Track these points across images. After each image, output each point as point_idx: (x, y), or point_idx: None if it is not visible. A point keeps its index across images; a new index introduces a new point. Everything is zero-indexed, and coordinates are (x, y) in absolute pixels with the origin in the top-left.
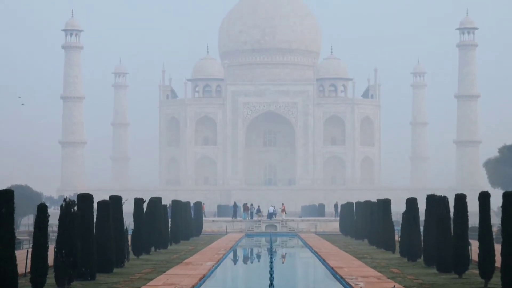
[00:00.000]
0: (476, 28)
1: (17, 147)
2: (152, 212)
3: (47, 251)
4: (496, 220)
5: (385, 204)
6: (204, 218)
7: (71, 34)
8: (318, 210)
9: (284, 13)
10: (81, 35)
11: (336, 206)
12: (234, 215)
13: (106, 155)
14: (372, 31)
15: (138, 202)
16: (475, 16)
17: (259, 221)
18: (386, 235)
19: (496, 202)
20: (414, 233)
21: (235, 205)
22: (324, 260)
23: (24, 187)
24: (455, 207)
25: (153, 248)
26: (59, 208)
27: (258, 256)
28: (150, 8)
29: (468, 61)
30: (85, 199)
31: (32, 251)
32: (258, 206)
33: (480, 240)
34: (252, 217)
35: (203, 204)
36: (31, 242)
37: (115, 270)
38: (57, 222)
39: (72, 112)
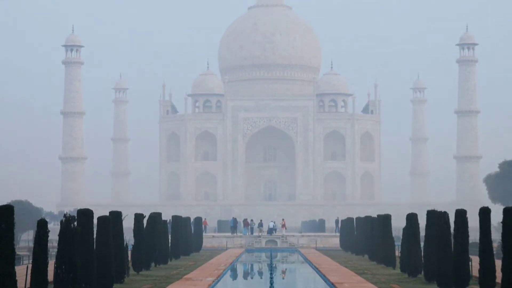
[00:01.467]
0: (476, 44)
1: (17, 163)
2: (152, 228)
3: (47, 266)
4: (496, 236)
5: (385, 219)
6: (204, 234)
7: (71, 50)
8: (318, 226)
9: (284, 28)
10: (82, 51)
11: (337, 221)
12: (234, 230)
13: (106, 171)
14: (372, 47)
15: (138, 217)
16: (475, 32)
17: (259, 236)
18: (386, 251)
19: (496, 217)
20: (414, 248)
21: (235, 221)
22: (324, 275)
23: (24, 203)
24: (455, 222)
25: (153, 264)
26: (59, 223)
27: (259, 272)
28: (150, 24)
29: (468, 77)
30: (85, 214)
31: (32, 267)
32: (261, 220)
33: (480, 256)
34: (252, 233)
35: (205, 219)
36: (31, 257)
37: (115, 285)
38: (57, 238)
39: (72, 128)
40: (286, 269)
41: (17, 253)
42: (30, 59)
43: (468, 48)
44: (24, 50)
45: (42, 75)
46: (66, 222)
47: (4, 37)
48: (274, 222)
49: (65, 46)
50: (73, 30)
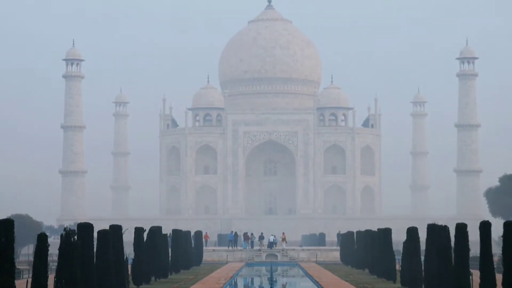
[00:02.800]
0: (476, 58)
1: (17, 176)
2: (152, 242)
3: (47, 280)
4: (497, 250)
5: (385, 233)
6: (204, 248)
7: (72, 64)
8: (319, 239)
9: (284, 42)
10: (82, 64)
11: (338, 235)
12: (234, 244)
13: (107, 184)
14: (372, 61)
15: (138, 231)
16: (475, 46)
17: (260, 250)
18: (387, 265)
19: (497, 231)
20: (415, 262)
21: (235, 235)
22: None
23: (24, 217)
24: (456, 236)
25: (153, 278)
26: (59, 237)
27: (259, 286)
28: (150, 37)
29: (468, 91)
30: (85, 228)
31: (32, 281)
32: (261, 233)
33: (481, 270)
34: (252, 246)
35: (206, 233)
36: (31, 271)
37: None
38: (57, 252)
39: (72, 141)
40: (286, 283)
41: (17, 267)
42: (30, 73)
43: (468, 62)
44: (25, 64)
45: (43, 89)
46: (66, 236)
47: (4, 51)
48: (275, 236)
49: (65, 60)
50: (73, 44)
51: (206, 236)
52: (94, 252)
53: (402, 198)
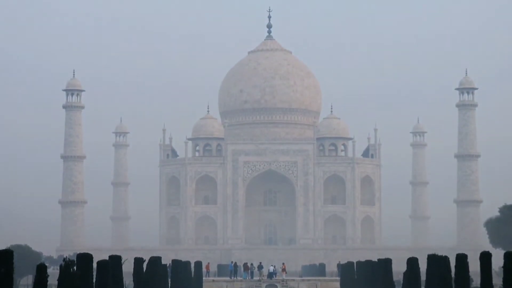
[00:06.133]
0: (476, 88)
1: (17, 206)
2: (152, 272)
3: None
4: (497, 280)
5: (386, 263)
6: (204, 278)
7: (72, 94)
8: (319, 270)
9: (284, 72)
10: (82, 95)
11: (339, 265)
12: (234, 274)
13: (106, 215)
14: (372, 91)
15: (138, 261)
16: (474, 76)
17: (260, 280)
18: None
19: (497, 262)
20: None
21: (235, 265)
22: None
23: (24, 247)
24: (456, 267)
25: None
26: (58, 268)
27: None
28: (150, 68)
29: (468, 121)
30: (84, 258)
31: None
32: (260, 263)
33: None
34: (252, 277)
35: (208, 263)
36: None
37: None
38: (56, 282)
39: (72, 172)
40: None
41: None
42: (30, 104)
43: (468, 93)
44: (25, 94)
45: (43, 119)
46: (66, 266)
47: (4, 81)
48: (274, 266)
49: (65, 90)
50: (74, 74)
51: (208, 267)
52: (93, 283)
53: (402, 228)
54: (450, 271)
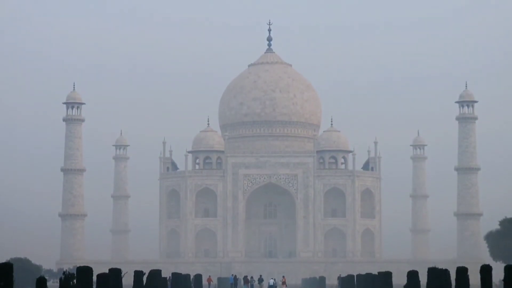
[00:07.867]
0: (476, 101)
1: (17, 220)
2: (152, 285)
3: None
4: None
5: (386, 277)
6: None
7: (72, 107)
8: (319, 283)
9: (284, 85)
10: (82, 108)
11: (339, 278)
12: (234, 287)
13: (106, 228)
14: (372, 103)
15: (138, 274)
16: (474, 89)
17: None
18: None
19: (497, 275)
20: None
21: (235, 278)
22: None
23: (24, 260)
24: (456, 280)
25: None
26: (58, 281)
27: None
28: (150, 81)
29: (468, 134)
30: (84, 272)
31: None
32: (260, 276)
33: None
34: None
35: (210, 276)
36: None
37: None
38: None
39: (72, 185)
40: None
41: None
42: (31, 117)
43: (468, 106)
44: (25, 108)
45: (43, 132)
46: (65, 279)
47: (4, 94)
48: (274, 279)
49: (66, 103)
50: (74, 87)
51: (210, 279)
52: None
53: (402, 241)
54: (450, 284)
